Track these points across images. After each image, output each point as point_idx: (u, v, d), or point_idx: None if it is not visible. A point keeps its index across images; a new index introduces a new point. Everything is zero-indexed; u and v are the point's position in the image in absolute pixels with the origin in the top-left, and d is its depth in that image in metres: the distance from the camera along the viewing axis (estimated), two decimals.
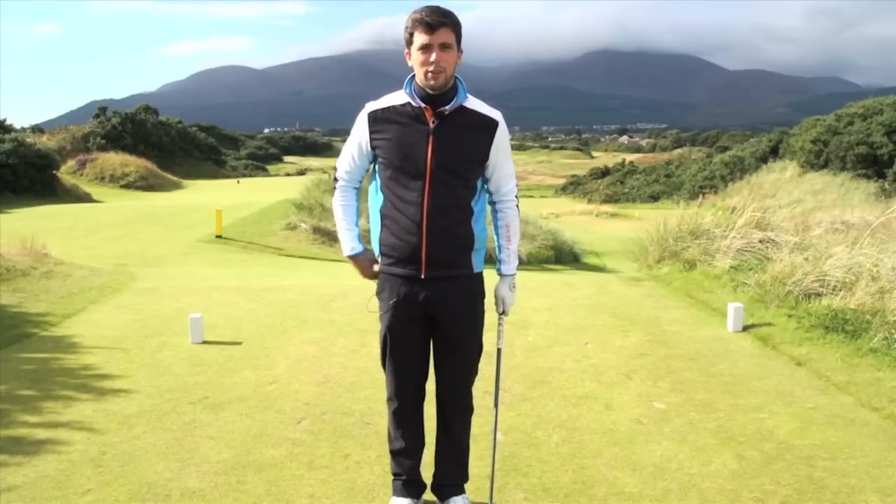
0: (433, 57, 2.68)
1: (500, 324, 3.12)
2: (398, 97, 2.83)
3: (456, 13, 2.74)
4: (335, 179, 3.03)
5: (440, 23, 2.67)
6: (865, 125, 30.97)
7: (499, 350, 3.12)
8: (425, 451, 3.18)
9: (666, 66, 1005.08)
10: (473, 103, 2.84)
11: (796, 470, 3.49)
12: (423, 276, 2.85)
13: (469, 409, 3.14)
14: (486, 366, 3.23)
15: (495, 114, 2.86)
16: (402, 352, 2.98)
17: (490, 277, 3.02)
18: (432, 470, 3.16)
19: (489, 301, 3.06)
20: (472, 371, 3.09)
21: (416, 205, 2.80)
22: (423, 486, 3.18)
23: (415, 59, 2.73)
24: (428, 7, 2.70)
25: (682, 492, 3.28)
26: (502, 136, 2.88)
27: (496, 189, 2.98)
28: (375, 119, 2.82)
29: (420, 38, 2.69)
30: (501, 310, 3.06)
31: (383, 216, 2.88)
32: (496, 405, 3.13)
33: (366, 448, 3.75)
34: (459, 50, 2.76)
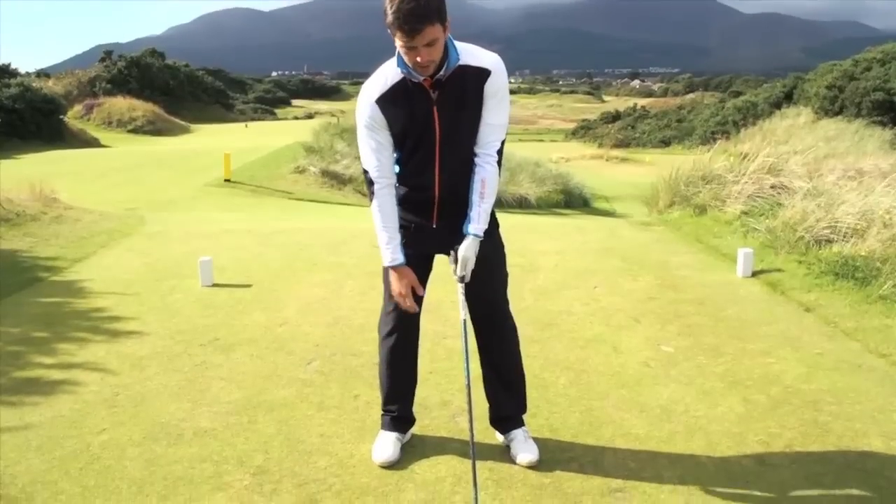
0: (419, 58, 2.51)
1: (459, 292, 2.82)
2: (392, 73, 2.65)
3: None
4: (370, 183, 2.78)
5: (419, 28, 2.44)
6: (883, 70, 30.36)
7: (464, 322, 2.83)
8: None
9: (679, 9, 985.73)
10: (467, 56, 2.66)
11: (802, 414, 3.51)
12: (433, 227, 2.86)
13: (512, 329, 3.10)
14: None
15: (488, 62, 2.68)
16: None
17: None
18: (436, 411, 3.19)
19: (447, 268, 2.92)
20: (505, 282, 3.07)
21: (429, 179, 2.77)
22: (412, 422, 3.21)
23: (399, 48, 2.55)
24: (402, 5, 2.42)
25: (689, 434, 3.30)
26: (493, 85, 2.69)
27: (479, 139, 2.77)
28: (383, 103, 2.67)
29: (401, 39, 2.48)
30: (461, 274, 2.78)
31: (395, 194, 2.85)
32: (468, 382, 2.79)
33: (374, 388, 3.77)
34: (445, 26, 2.52)
